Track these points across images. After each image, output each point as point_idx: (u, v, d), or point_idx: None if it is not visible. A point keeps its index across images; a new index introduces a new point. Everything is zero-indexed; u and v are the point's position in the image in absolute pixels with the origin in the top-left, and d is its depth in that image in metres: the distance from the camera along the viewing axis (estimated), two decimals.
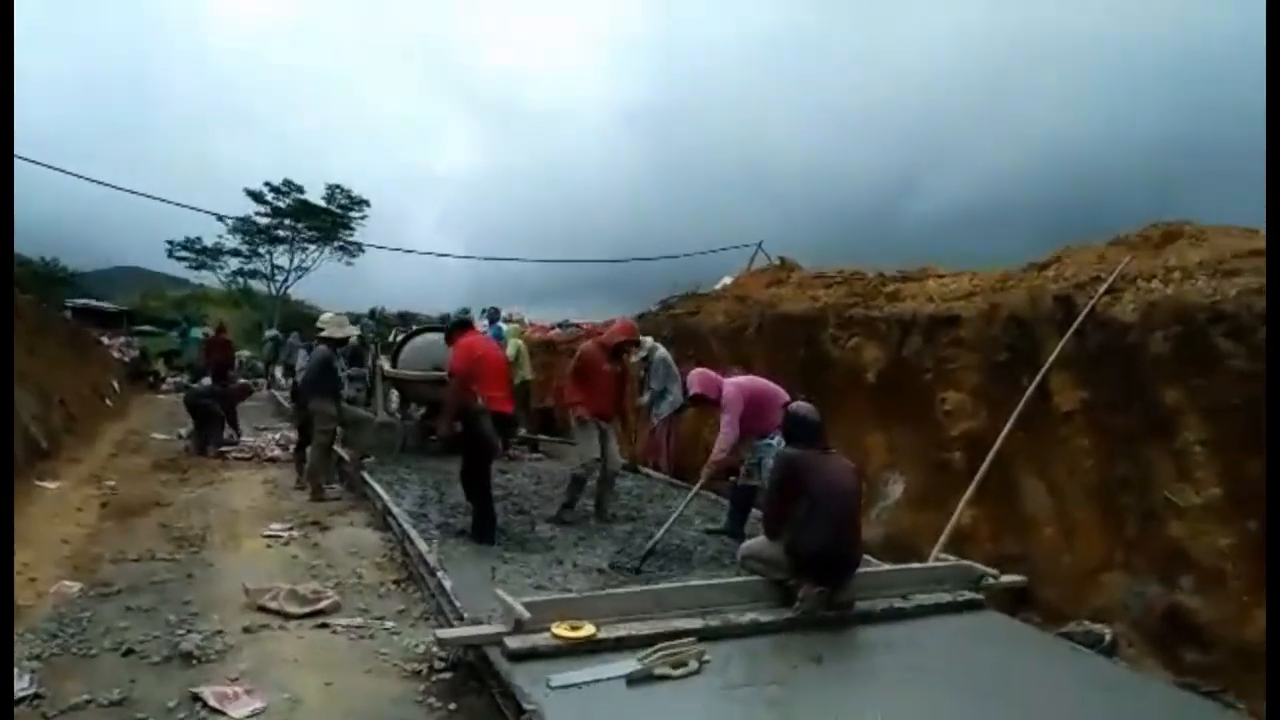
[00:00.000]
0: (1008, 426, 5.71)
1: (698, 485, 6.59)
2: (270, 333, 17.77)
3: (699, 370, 6.85)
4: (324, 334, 8.62)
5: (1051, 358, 5.71)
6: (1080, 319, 5.66)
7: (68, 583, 5.21)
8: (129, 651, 4.18)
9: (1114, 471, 5.18)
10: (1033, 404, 5.72)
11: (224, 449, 10.71)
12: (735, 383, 6.56)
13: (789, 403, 5.45)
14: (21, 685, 3.75)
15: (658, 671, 3.70)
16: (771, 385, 6.63)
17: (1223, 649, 4.22)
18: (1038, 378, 5.72)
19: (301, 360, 10.62)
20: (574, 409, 7.13)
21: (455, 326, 6.97)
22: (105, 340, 19.46)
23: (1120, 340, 5.40)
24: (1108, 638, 4.44)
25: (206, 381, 19.82)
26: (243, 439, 11.38)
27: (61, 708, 3.59)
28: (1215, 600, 4.32)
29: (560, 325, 18.34)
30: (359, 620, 4.77)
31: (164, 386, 20.18)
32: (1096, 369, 5.52)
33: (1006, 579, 5.07)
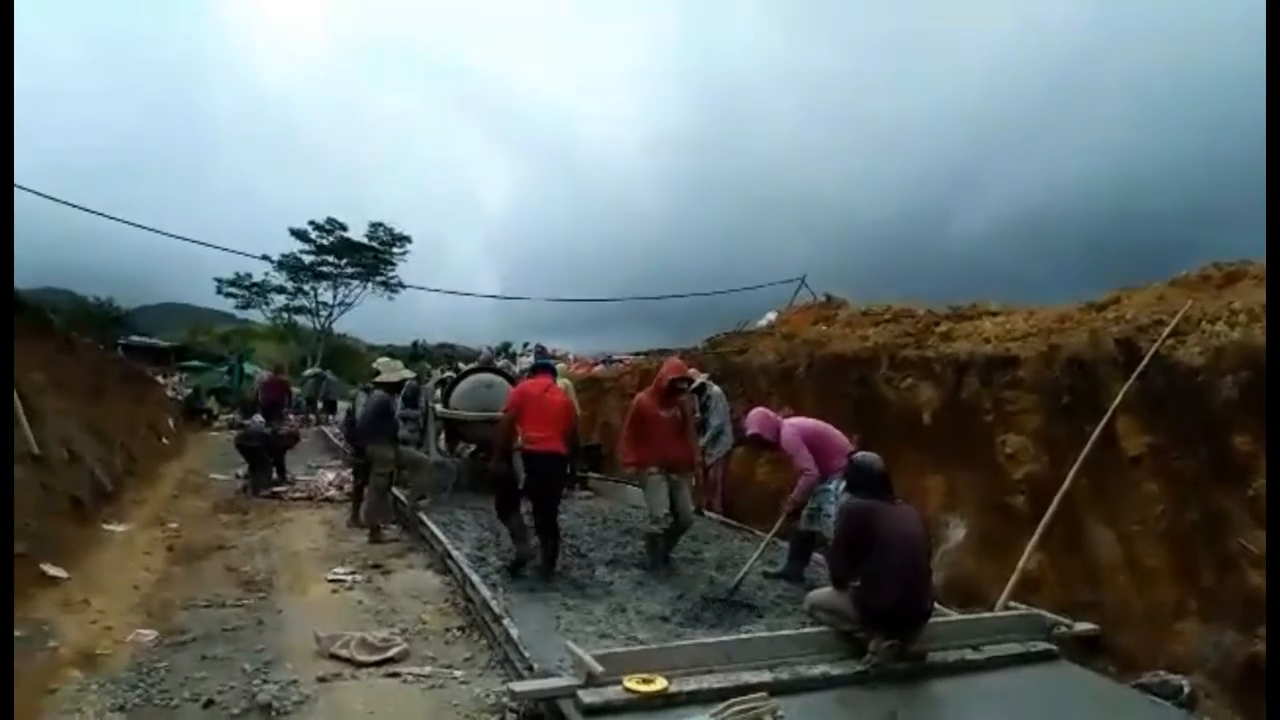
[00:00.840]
0: (1074, 470, 5.65)
1: (778, 524, 6.56)
2: (311, 370, 18.05)
3: (758, 410, 6.85)
4: (380, 379, 8.79)
5: (1116, 401, 5.65)
6: (1145, 362, 5.61)
7: (143, 631, 5.32)
8: (209, 703, 4.26)
9: (1185, 517, 5.10)
10: (1097, 448, 5.66)
11: (277, 490, 10.89)
12: (794, 424, 6.55)
13: (853, 451, 5.44)
14: None
15: None
16: (828, 427, 6.62)
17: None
18: (1103, 421, 5.66)
19: (360, 401, 10.73)
20: (630, 468, 6.95)
21: (532, 370, 7.43)
22: (161, 379, 19.88)
23: (1187, 384, 5.33)
24: (1186, 689, 4.34)
25: (258, 418, 20.33)
26: (296, 480, 11.50)
27: None
28: None
29: (604, 360, 18.44)
30: (428, 669, 4.81)
31: (216, 424, 20.56)
32: (1162, 413, 5.46)
33: (1079, 628, 5.00)
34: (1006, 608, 5.28)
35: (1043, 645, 4.81)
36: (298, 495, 10.74)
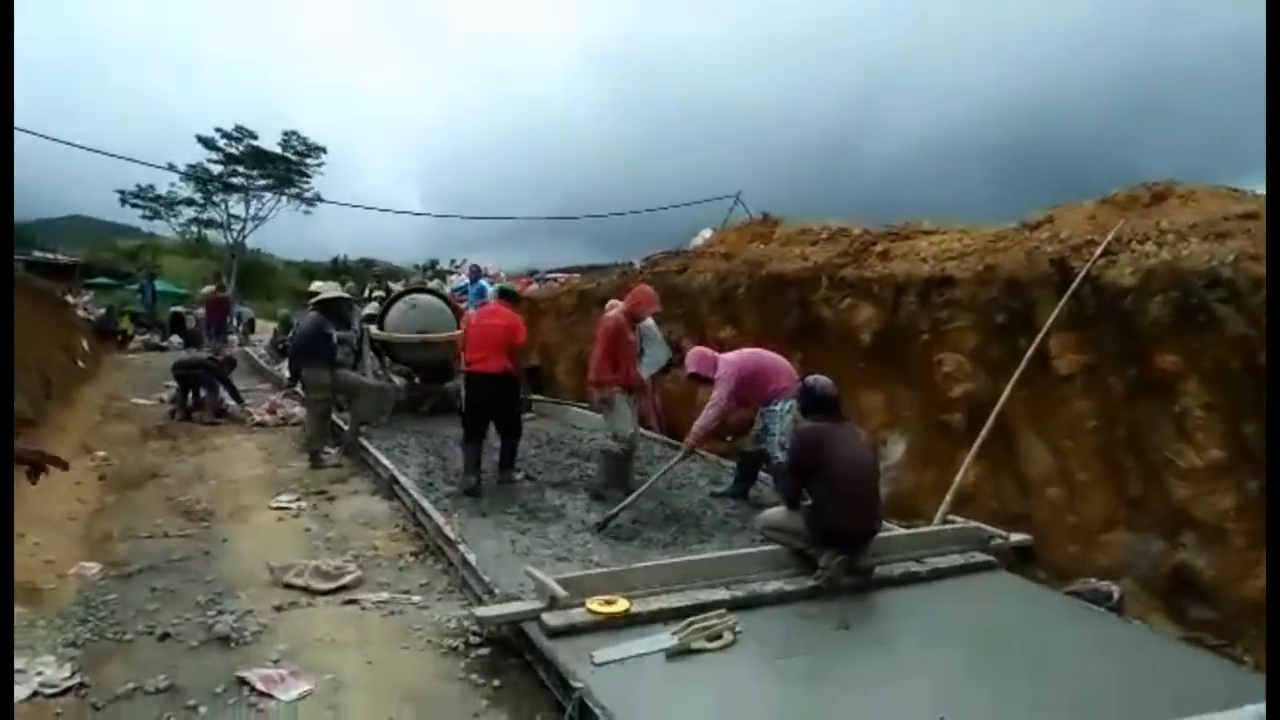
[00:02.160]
0: (1008, 388, 5.86)
1: (677, 457, 6.64)
2: (208, 288, 17.29)
3: (697, 349, 6.93)
4: (317, 298, 8.54)
5: (1050, 320, 5.84)
6: (1077, 282, 5.79)
7: (86, 563, 5.20)
8: (165, 635, 4.20)
9: (1115, 433, 5.36)
10: (1032, 366, 5.86)
11: (229, 411, 10.64)
12: (730, 358, 6.59)
13: (804, 375, 5.53)
14: (64, 674, 3.78)
15: (695, 645, 3.82)
16: (767, 354, 6.70)
17: (1227, 604, 4.44)
18: (1036, 340, 5.85)
19: (293, 321, 10.44)
20: (605, 388, 6.90)
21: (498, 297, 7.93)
22: (70, 298, 18.99)
23: (1118, 304, 5.53)
24: (1116, 595, 4.63)
25: (175, 339, 19.65)
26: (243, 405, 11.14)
27: (109, 697, 3.62)
28: (1218, 557, 4.53)
29: (536, 278, 18.18)
30: (385, 595, 4.83)
31: (132, 345, 19.83)
32: (1094, 332, 5.67)
33: (1015, 539, 5.27)
34: (945, 521, 5.51)
35: (981, 557, 5.06)
36: (262, 419, 10.51)
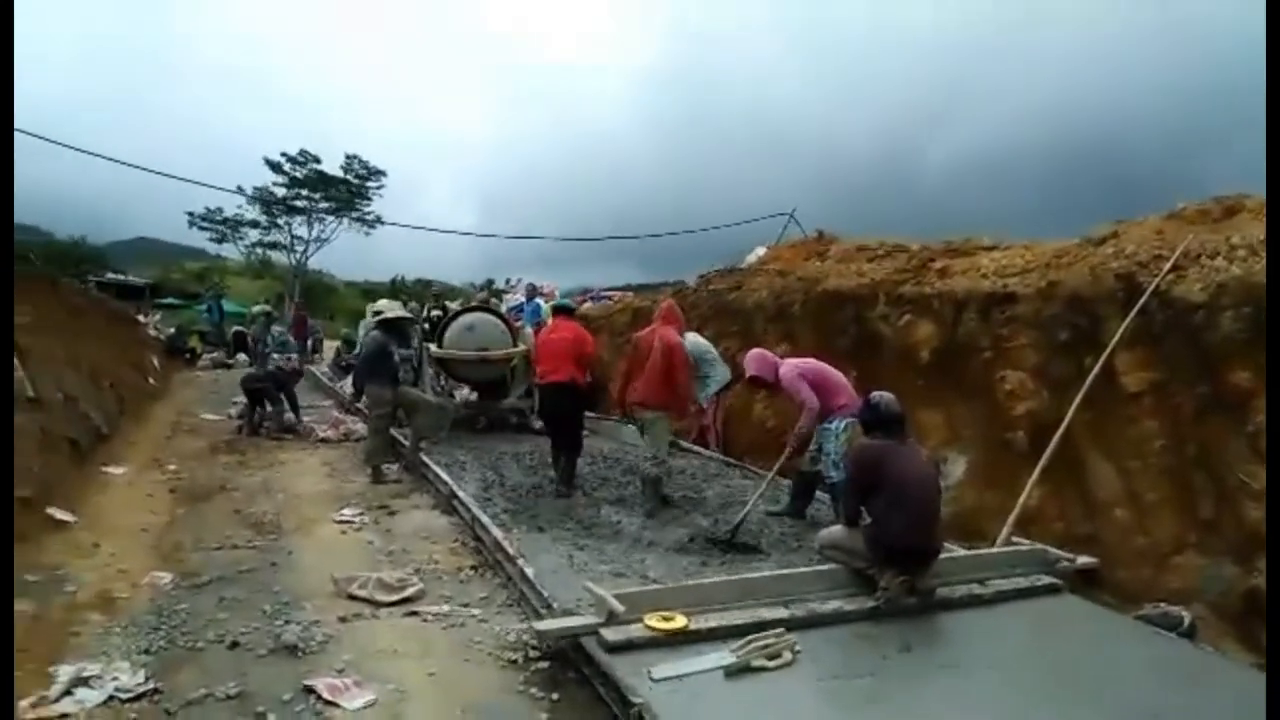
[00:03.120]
0: (1074, 405, 5.75)
1: (780, 460, 6.64)
2: (259, 307, 17.54)
3: (756, 351, 6.89)
4: (380, 317, 8.74)
5: (1116, 337, 5.72)
6: (1145, 297, 5.67)
7: (159, 573, 5.34)
8: (234, 644, 4.30)
9: (1184, 452, 5.23)
10: (1097, 384, 5.75)
11: (294, 427, 10.87)
12: (793, 363, 6.59)
13: (868, 393, 5.46)
14: (138, 680, 3.89)
15: (754, 663, 3.80)
16: (826, 366, 6.66)
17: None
18: (1103, 357, 5.74)
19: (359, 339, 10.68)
20: (629, 407, 7.08)
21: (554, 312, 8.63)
22: (142, 318, 19.63)
23: (1187, 320, 5.41)
24: (1186, 620, 4.50)
25: (241, 356, 20.15)
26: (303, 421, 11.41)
27: (181, 702, 3.71)
28: None
29: (590, 296, 18.32)
30: (446, 608, 4.89)
31: (200, 363, 20.40)
32: (1162, 349, 5.54)
33: (1081, 561, 5.16)
34: (1009, 542, 5.42)
35: (1046, 579, 4.96)
36: (325, 435, 10.74)
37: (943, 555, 4.85)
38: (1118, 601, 4.98)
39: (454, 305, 12.60)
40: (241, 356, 20.32)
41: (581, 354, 7.48)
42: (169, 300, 36.23)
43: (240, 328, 22.73)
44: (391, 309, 9.04)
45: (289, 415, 11.09)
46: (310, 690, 3.82)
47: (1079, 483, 5.77)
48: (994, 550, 5.31)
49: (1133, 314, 5.69)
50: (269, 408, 10.92)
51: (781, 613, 4.31)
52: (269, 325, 13.57)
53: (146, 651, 4.22)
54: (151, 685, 3.83)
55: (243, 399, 11.25)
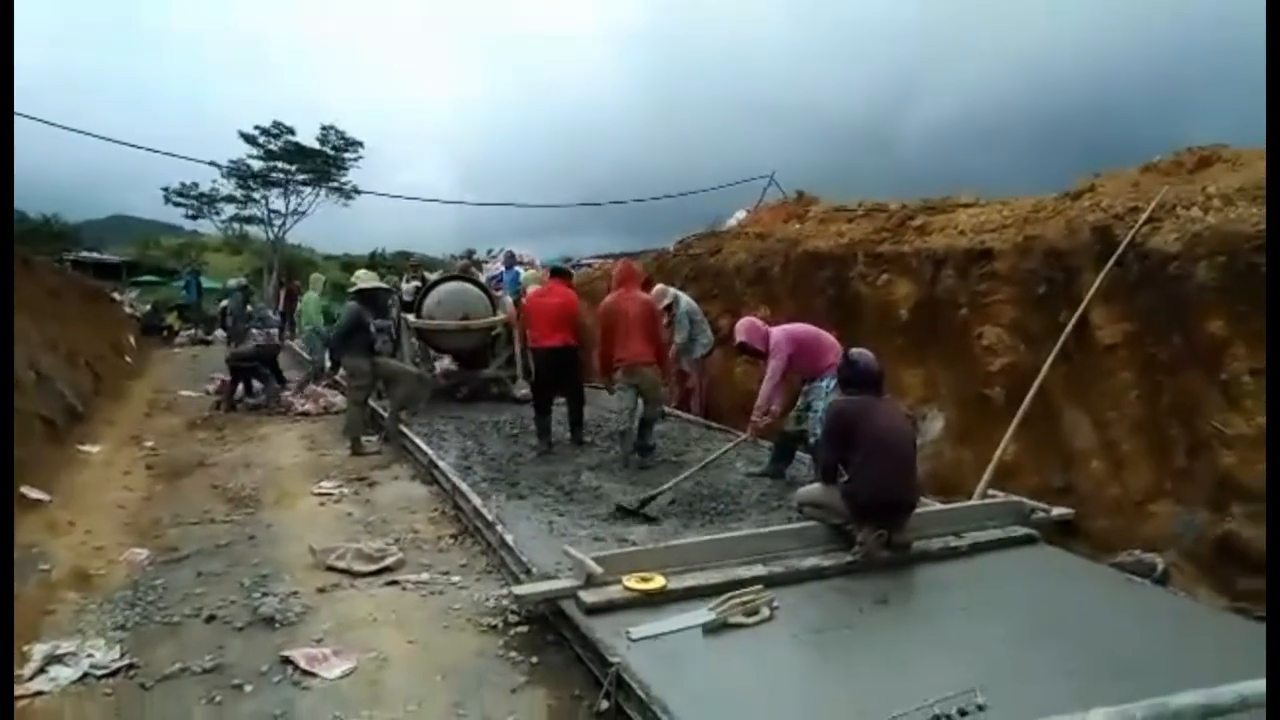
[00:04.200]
0: (1049, 360, 5.76)
1: (739, 439, 6.67)
2: (234, 281, 17.16)
3: (746, 319, 6.88)
4: (355, 288, 8.67)
5: (1092, 290, 5.72)
6: (1121, 250, 5.66)
7: (135, 550, 5.31)
8: (211, 618, 4.29)
9: (1159, 402, 5.25)
10: (1073, 337, 5.76)
11: (277, 407, 10.78)
12: (784, 329, 6.57)
13: (847, 350, 5.44)
14: (113, 656, 3.87)
15: (732, 620, 3.81)
16: (819, 330, 6.64)
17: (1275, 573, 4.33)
18: (1079, 310, 5.74)
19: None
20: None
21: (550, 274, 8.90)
22: (118, 296, 19.42)
23: (1162, 270, 5.41)
24: (1160, 567, 4.54)
25: (220, 333, 19.98)
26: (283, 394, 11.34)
27: (157, 677, 3.70)
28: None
29: (567, 262, 18.14)
30: (425, 576, 4.88)
31: (178, 340, 20.22)
32: (1138, 300, 5.55)
33: (1056, 512, 5.19)
34: (985, 495, 5.44)
35: (1022, 530, 4.99)
36: (304, 409, 10.68)
37: (919, 510, 4.87)
38: (1094, 551, 5.02)
39: (432, 276, 12.48)
40: (219, 333, 20.18)
41: (569, 316, 7.83)
42: (146, 278, 35.81)
43: (225, 303, 22.58)
44: (367, 280, 8.95)
45: (284, 394, 11.04)
46: (288, 661, 3.81)
47: (1055, 436, 5.80)
48: (969, 504, 5.34)
49: (1109, 266, 5.68)
50: (256, 385, 10.87)
51: (760, 570, 4.32)
52: (245, 300, 13.40)
53: (122, 628, 4.20)
54: (127, 661, 3.82)
55: (222, 375, 11.16)
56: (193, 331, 20.90)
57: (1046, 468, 5.77)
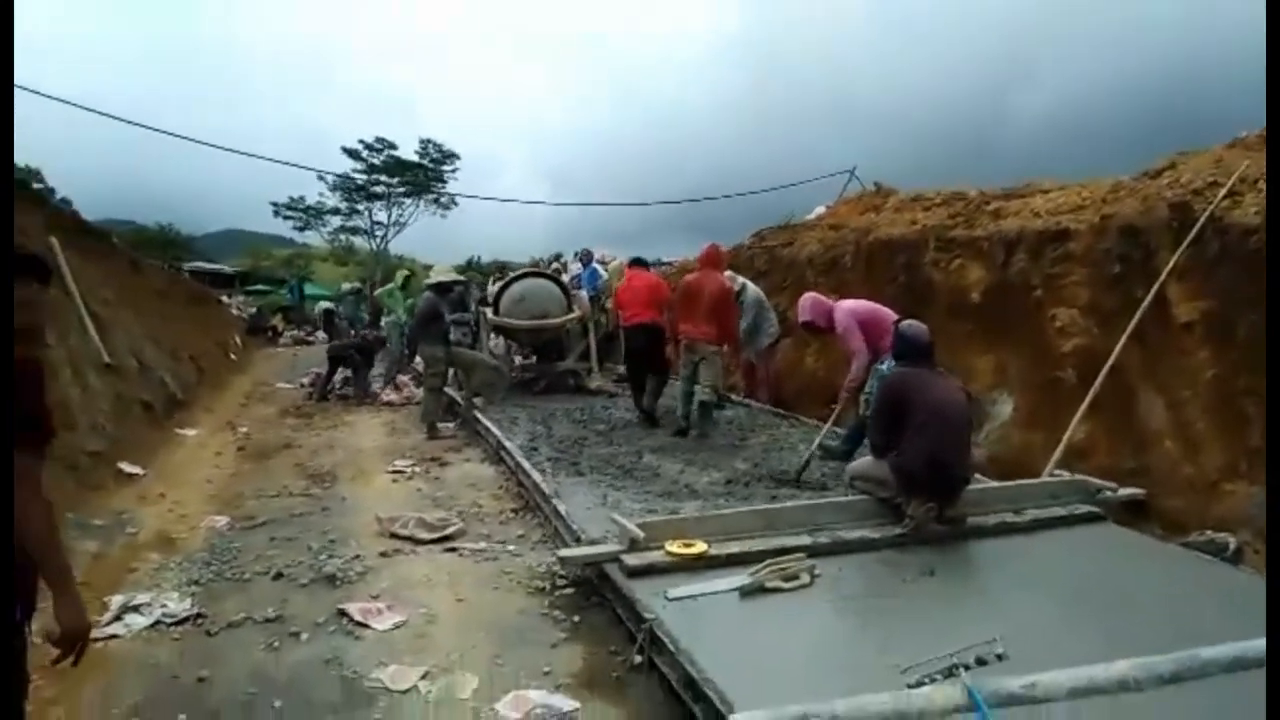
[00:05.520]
0: (1122, 340, 5.57)
1: (838, 410, 6.62)
2: (349, 285, 17.73)
3: (809, 295, 6.83)
4: (430, 281, 9.00)
5: (1168, 267, 5.51)
6: (1199, 225, 5.43)
7: (216, 517, 5.63)
8: (278, 575, 4.53)
9: (1236, 381, 5.00)
10: (1149, 316, 5.55)
11: (366, 397, 11.22)
12: (846, 307, 6.51)
13: (898, 321, 5.38)
14: (184, 606, 4.13)
15: (769, 584, 3.81)
16: (882, 308, 6.56)
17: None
18: (1154, 288, 5.54)
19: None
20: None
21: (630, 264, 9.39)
22: (225, 299, 20.50)
23: (1242, 245, 5.18)
24: (1232, 545, 4.33)
25: (321, 335, 20.85)
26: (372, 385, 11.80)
27: (222, 625, 3.94)
28: None
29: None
30: (482, 545, 5.04)
31: (282, 340, 21.18)
32: (1216, 277, 5.32)
33: (1125, 492, 5.01)
34: (1052, 475, 5.28)
35: (1086, 508, 4.82)
36: (389, 398, 11.15)
37: (977, 486, 4.76)
38: (1165, 533, 4.81)
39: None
40: (321, 335, 21.04)
41: (659, 298, 8.39)
42: (258, 287, 37.62)
43: (329, 305, 23.54)
44: (442, 273, 9.28)
45: (375, 387, 11.52)
46: (343, 613, 4.01)
47: (1128, 416, 5.58)
48: (1031, 481, 5.19)
49: (1186, 242, 5.46)
50: (349, 374, 11.35)
51: (805, 540, 4.30)
52: (359, 303, 14.02)
53: (196, 583, 4.47)
54: (196, 610, 4.07)
55: (317, 369, 11.67)
56: (296, 332, 21.84)
57: (1119, 449, 5.55)
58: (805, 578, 3.89)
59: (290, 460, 7.47)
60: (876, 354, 6.29)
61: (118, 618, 4.00)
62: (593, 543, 4.42)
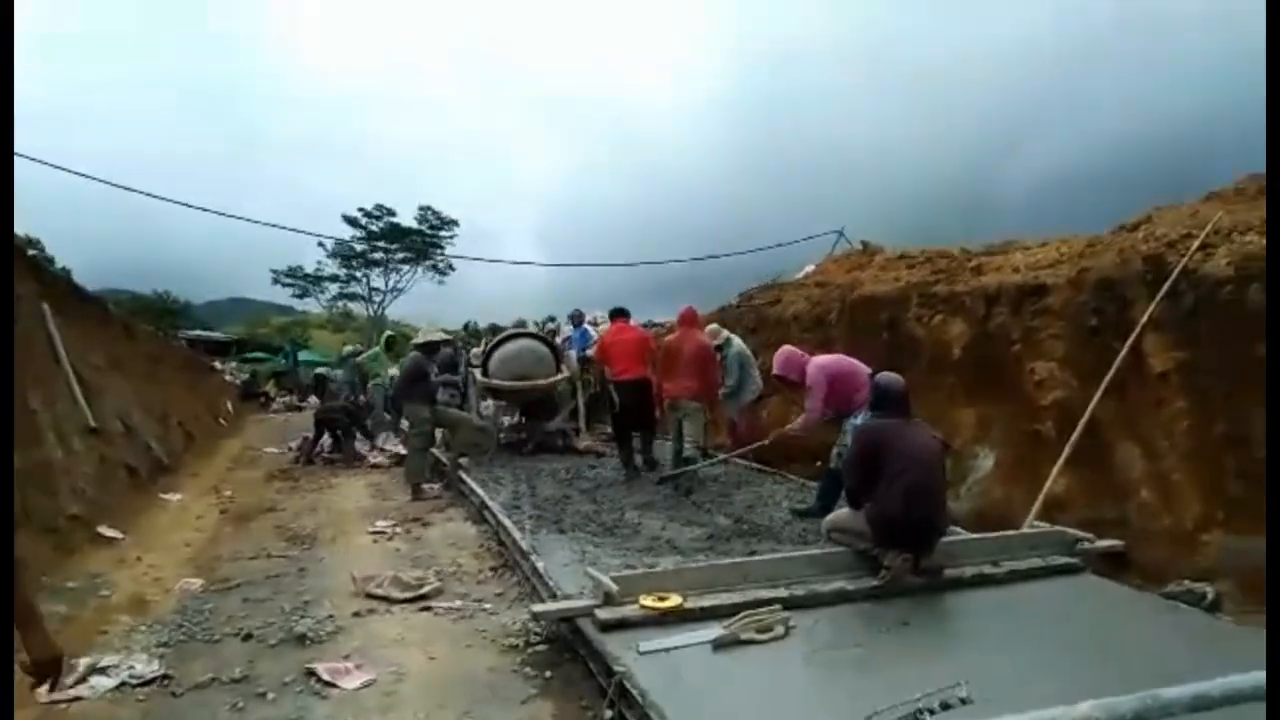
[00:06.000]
0: (1099, 392, 5.59)
1: (757, 444, 6.81)
2: (349, 348, 17.81)
3: (785, 349, 6.85)
4: (416, 341, 9.05)
5: (1144, 319, 5.57)
6: (1173, 277, 5.50)
7: (190, 580, 5.56)
8: (248, 636, 4.46)
9: (1212, 431, 5.02)
10: (1126, 367, 5.58)
11: (354, 460, 11.20)
12: (819, 362, 6.53)
13: (874, 372, 5.40)
14: (151, 668, 4.05)
15: (743, 636, 3.77)
16: (856, 363, 6.58)
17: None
18: (1129, 340, 5.58)
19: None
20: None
21: (610, 316, 9.45)
22: (219, 365, 20.58)
23: (1215, 296, 5.24)
24: (1210, 595, 4.30)
25: (313, 400, 20.85)
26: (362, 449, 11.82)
27: (188, 685, 3.86)
28: None
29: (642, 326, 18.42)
30: (459, 603, 4.98)
31: (274, 406, 21.17)
32: (1190, 328, 5.36)
33: (1103, 543, 4.98)
34: (1031, 527, 5.25)
35: (1064, 559, 4.79)
36: (376, 461, 11.16)
37: (955, 538, 4.73)
38: (1144, 583, 4.77)
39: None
40: (313, 400, 21.04)
41: (647, 352, 8.62)
42: (254, 354, 37.73)
43: (321, 370, 23.56)
44: (428, 334, 9.35)
45: (364, 451, 11.55)
46: (311, 673, 3.94)
47: (1106, 468, 5.58)
48: (1010, 532, 5.16)
49: (1161, 293, 5.52)
50: (335, 437, 11.34)
51: (781, 592, 4.26)
52: (357, 368, 14.08)
53: (165, 645, 4.40)
54: (163, 672, 4.00)
55: (305, 434, 11.67)
56: (288, 398, 21.84)
57: (1098, 500, 5.53)
58: (780, 629, 3.86)
59: (271, 523, 7.40)
60: (850, 408, 6.29)
61: (83, 679, 3.92)
62: (567, 598, 4.37)
